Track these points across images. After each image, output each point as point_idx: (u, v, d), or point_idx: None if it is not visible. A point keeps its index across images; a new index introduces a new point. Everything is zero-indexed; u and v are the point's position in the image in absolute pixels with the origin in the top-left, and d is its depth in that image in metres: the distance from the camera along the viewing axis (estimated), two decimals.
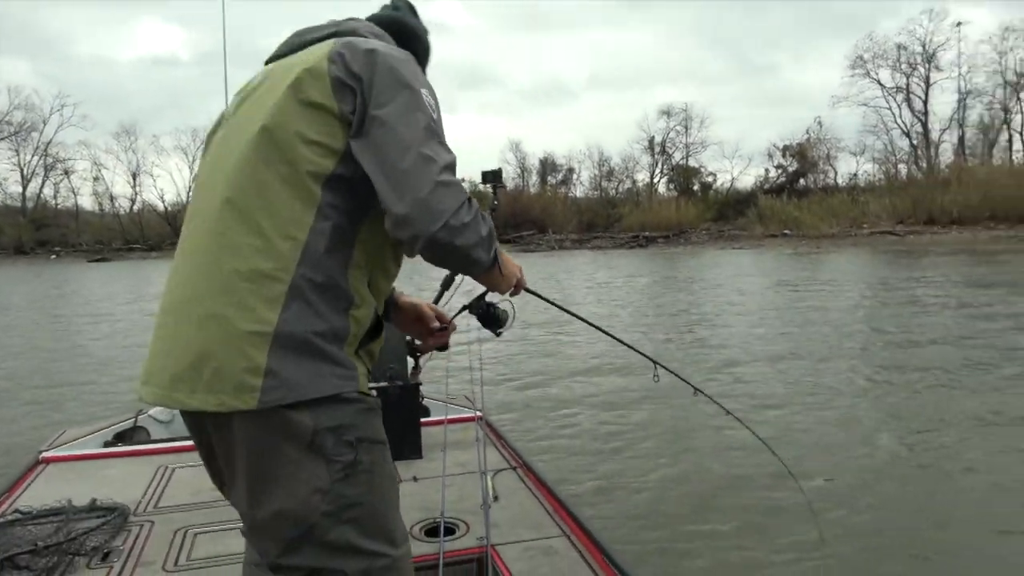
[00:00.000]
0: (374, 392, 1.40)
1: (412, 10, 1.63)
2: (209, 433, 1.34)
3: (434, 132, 1.29)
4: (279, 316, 1.22)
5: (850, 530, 3.77)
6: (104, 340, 11.40)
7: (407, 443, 3.09)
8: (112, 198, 48.56)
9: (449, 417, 3.34)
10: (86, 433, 3.58)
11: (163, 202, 47.88)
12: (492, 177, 2.96)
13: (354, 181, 1.28)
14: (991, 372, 7.20)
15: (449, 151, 1.30)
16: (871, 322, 10.75)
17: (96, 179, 48.54)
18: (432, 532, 2.34)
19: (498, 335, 1.81)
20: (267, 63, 1.53)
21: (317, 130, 1.28)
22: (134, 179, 48.89)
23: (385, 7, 1.61)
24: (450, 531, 2.32)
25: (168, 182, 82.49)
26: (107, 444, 3.49)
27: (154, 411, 3.72)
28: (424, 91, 1.32)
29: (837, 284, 15.94)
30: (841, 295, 14.03)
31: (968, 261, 20.55)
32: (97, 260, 38.51)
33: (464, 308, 1.86)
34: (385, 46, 1.37)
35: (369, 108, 1.26)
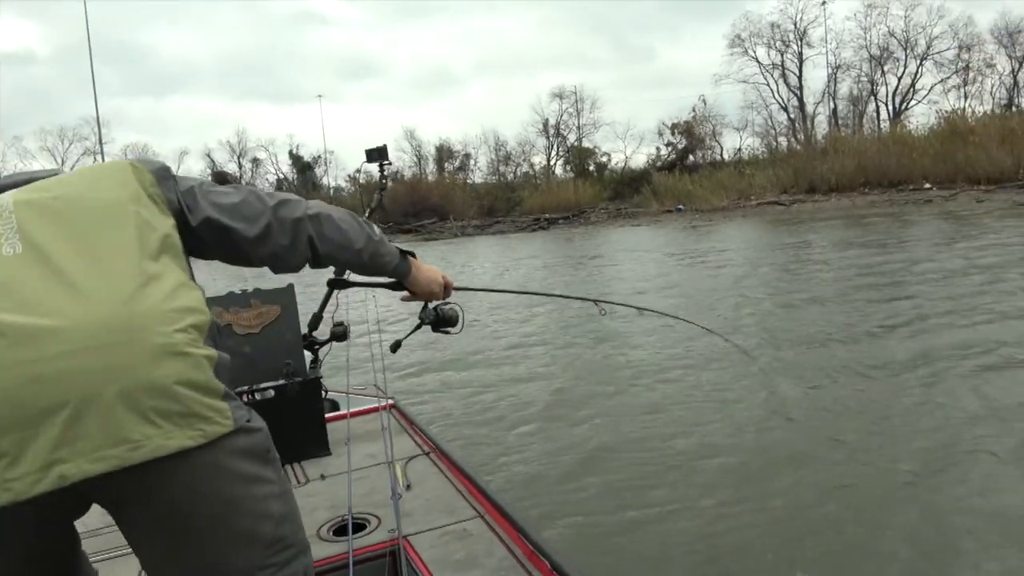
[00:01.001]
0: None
1: None
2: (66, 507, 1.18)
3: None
4: (212, 345, 1.20)
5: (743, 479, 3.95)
6: None
7: (313, 440, 2.93)
8: None
9: (356, 409, 3.20)
10: None
11: None
12: (377, 155, 2.83)
13: None
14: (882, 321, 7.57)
15: None
16: (772, 283, 11.16)
17: None
18: (341, 531, 2.22)
19: (457, 333, 1.91)
20: None
21: None
22: None
23: None
24: (360, 527, 2.22)
25: None
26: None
27: None
28: None
29: (734, 251, 16.52)
30: (740, 260, 14.53)
31: (848, 224, 21.80)
32: None
33: (418, 324, 1.94)
34: None
35: None
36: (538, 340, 8.29)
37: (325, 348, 3.22)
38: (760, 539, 3.42)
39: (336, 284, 2.65)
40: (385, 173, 3.05)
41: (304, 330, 3.14)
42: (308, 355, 3.14)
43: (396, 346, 2.27)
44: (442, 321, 1.99)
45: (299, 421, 2.90)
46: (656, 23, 76.98)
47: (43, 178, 1.29)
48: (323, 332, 3.19)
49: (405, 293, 1.79)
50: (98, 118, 47.64)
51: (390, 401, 3.30)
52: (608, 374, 6.42)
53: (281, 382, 2.88)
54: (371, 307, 3.39)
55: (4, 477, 1.01)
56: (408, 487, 2.52)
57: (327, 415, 3.10)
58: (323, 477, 2.72)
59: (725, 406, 5.33)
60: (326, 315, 3.22)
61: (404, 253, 1.64)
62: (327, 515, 2.36)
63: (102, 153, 47.74)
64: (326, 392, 3.34)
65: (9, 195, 1.22)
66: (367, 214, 3.16)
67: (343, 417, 3.22)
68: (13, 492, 1.01)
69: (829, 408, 5.17)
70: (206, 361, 1.15)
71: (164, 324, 1.12)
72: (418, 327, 2.02)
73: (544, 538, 2.01)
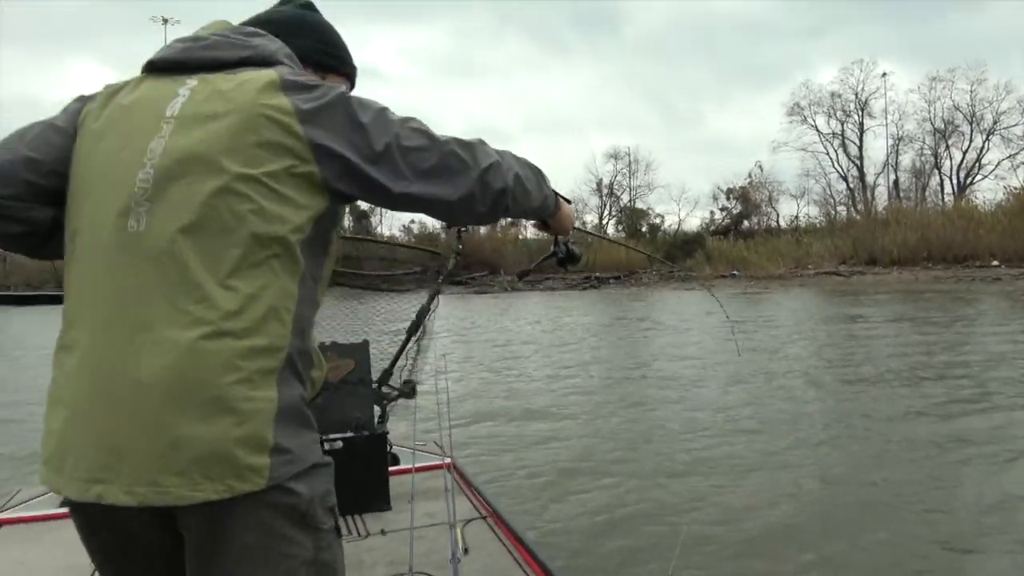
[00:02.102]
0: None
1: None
2: (139, 532, 1.16)
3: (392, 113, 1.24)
4: (277, 388, 1.11)
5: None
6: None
7: (375, 495, 3.01)
8: None
9: (418, 465, 3.24)
10: (41, 493, 3.38)
11: None
12: None
13: (319, 239, 1.20)
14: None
15: None
16: (837, 360, 10.76)
17: None
18: None
19: (579, 270, 1.79)
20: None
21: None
22: None
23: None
24: None
25: None
26: (63, 504, 3.11)
27: None
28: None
29: (793, 323, 16.07)
30: (807, 334, 14.10)
31: (911, 299, 21.08)
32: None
33: (549, 256, 1.94)
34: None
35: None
36: (597, 388, 8.09)
37: (393, 403, 3.28)
38: None
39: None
40: (461, 238, 3.07)
41: (375, 384, 3.21)
42: (376, 409, 3.21)
43: (524, 274, 2.25)
44: (570, 257, 1.97)
45: (363, 475, 2.97)
46: (704, 90, 78.71)
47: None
48: (392, 388, 3.22)
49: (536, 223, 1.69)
50: None
51: (449, 460, 3.29)
52: (673, 434, 6.20)
53: (349, 434, 2.96)
54: (439, 361, 3.42)
55: (68, 473, 1.08)
56: (466, 551, 2.51)
57: (389, 468, 3.15)
58: (383, 532, 2.76)
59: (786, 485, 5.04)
60: (396, 370, 3.24)
61: (559, 197, 1.55)
62: (385, 571, 2.40)
63: None
64: (390, 447, 3.38)
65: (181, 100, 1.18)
66: (440, 280, 3.22)
67: (405, 472, 3.26)
68: (70, 489, 1.09)
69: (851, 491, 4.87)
70: (263, 411, 1.08)
71: (222, 374, 1.06)
72: (547, 258, 2.01)
73: None
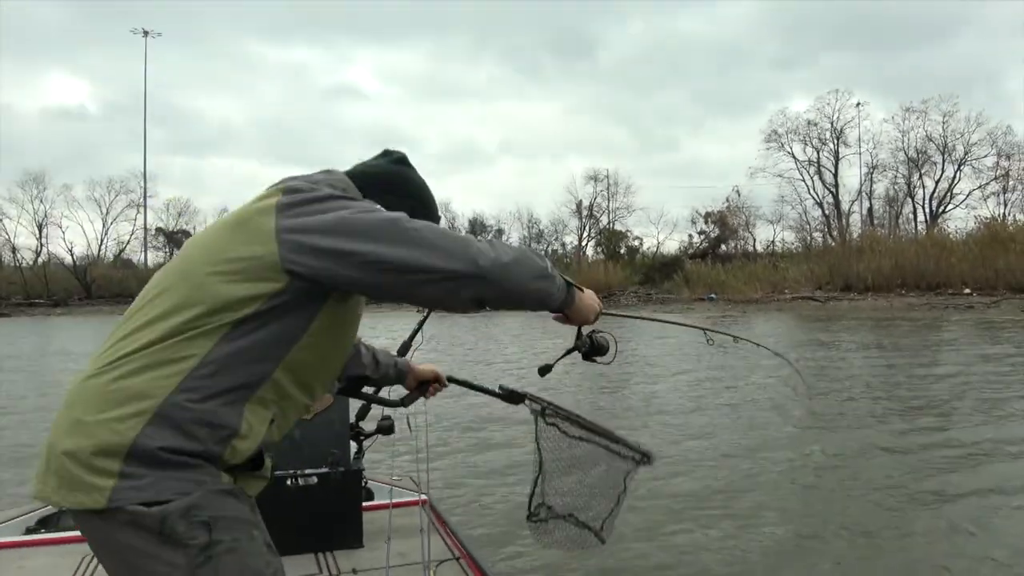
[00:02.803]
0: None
1: (395, 160, 1.70)
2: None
3: (367, 209, 1.40)
4: (140, 430, 1.29)
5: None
6: (27, 407, 10.20)
7: (347, 532, 2.96)
8: (14, 249, 45.82)
9: (393, 501, 3.19)
10: (5, 519, 3.33)
11: (71, 255, 45.49)
12: None
13: (278, 316, 1.38)
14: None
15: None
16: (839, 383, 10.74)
17: None
18: None
19: (608, 363, 1.87)
20: None
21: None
22: (40, 230, 46.44)
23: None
24: None
25: (79, 234, 78.88)
26: (29, 531, 3.26)
27: None
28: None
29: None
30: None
31: (887, 327, 21.26)
32: None
33: (570, 350, 1.89)
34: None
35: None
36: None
37: (370, 440, 3.08)
38: None
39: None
40: None
41: (352, 420, 3.01)
42: (353, 445, 3.06)
43: (545, 370, 2.11)
44: (595, 350, 1.88)
45: (337, 511, 2.94)
46: (678, 115, 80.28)
47: None
48: (370, 424, 3.03)
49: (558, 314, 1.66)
50: (145, 174, 49.23)
51: (424, 497, 3.27)
52: (653, 481, 6.04)
53: (324, 470, 2.93)
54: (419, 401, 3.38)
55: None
56: None
57: (364, 504, 3.11)
58: (355, 572, 2.71)
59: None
60: (375, 409, 3.12)
61: (570, 285, 1.55)
62: None
63: (145, 206, 49.07)
64: (365, 482, 3.36)
65: None
66: (425, 315, 3.07)
67: (379, 508, 3.25)
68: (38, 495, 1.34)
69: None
70: (113, 444, 1.28)
71: (95, 406, 1.32)
72: (569, 352, 1.93)
73: None
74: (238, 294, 1.34)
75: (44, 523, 3.36)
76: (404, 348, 3.16)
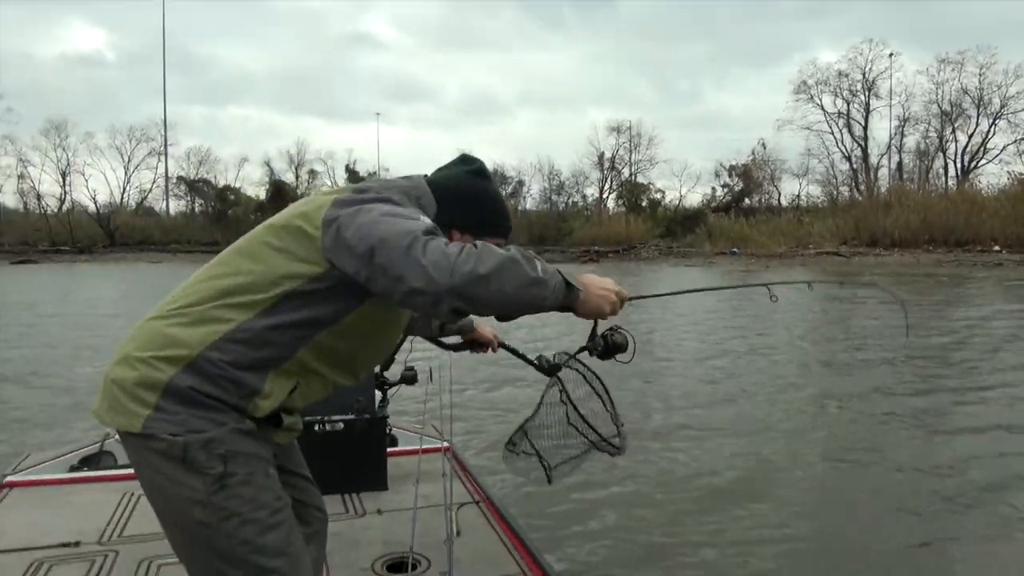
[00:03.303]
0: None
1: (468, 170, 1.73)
2: None
3: (388, 214, 1.44)
4: (175, 373, 1.47)
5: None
6: (63, 352, 10.37)
7: (373, 475, 3.10)
8: (39, 197, 46.14)
9: (415, 447, 3.32)
10: (51, 457, 3.49)
11: (95, 203, 45.78)
12: None
13: (314, 302, 1.50)
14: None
15: (413, 220, 1.44)
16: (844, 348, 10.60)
17: (21, 176, 46.05)
18: (394, 567, 2.38)
19: (627, 363, 1.79)
20: None
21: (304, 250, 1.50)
22: (63, 178, 46.72)
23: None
24: (412, 566, 2.33)
25: (101, 182, 79.24)
26: (72, 469, 3.41)
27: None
28: (378, 204, 1.49)
29: (794, 305, 15.90)
30: (800, 318, 13.93)
31: (914, 282, 20.92)
32: (21, 262, 36.20)
33: (581, 350, 1.82)
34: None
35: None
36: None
37: (394, 389, 3.28)
38: None
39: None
40: None
41: (376, 370, 3.17)
42: (378, 393, 3.22)
43: (554, 369, 2.07)
44: (612, 349, 1.78)
45: (362, 456, 3.06)
46: (702, 66, 78.40)
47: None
48: (394, 373, 3.22)
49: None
50: (165, 122, 49.18)
51: (447, 444, 3.37)
52: (663, 411, 6.08)
53: (351, 417, 3.04)
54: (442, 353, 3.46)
55: None
56: (458, 533, 2.60)
57: (388, 450, 3.21)
58: (380, 512, 2.85)
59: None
60: (399, 357, 3.17)
61: (570, 286, 1.47)
62: (381, 550, 2.49)
63: (166, 154, 49.15)
64: (390, 429, 3.47)
65: None
66: None
67: (403, 454, 3.39)
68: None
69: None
70: (153, 379, 1.47)
71: (145, 345, 1.51)
72: (581, 351, 1.85)
73: None
74: (283, 269, 1.48)
75: (87, 462, 3.51)
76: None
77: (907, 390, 7.48)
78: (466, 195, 1.68)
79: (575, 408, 2.31)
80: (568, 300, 1.47)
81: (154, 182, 49.75)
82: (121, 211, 47.04)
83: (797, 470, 5.10)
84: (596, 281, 1.53)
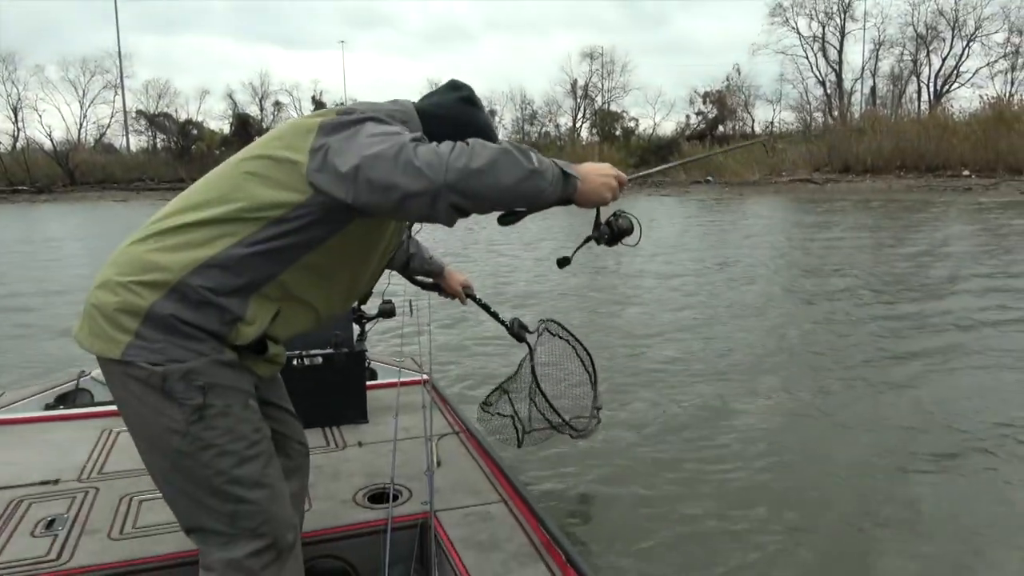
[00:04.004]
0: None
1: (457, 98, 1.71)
2: None
3: (376, 134, 1.41)
4: (156, 299, 1.45)
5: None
6: (33, 290, 10.20)
7: (353, 408, 3.12)
8: None
9: (394, 380, 3.35)
10: (26, 396, 3.47)
11: (51, 140, 43.99)
12: None
13: (298, 228, 1.48)
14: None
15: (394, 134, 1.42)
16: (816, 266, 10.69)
17: None
18: (376, 498, 2.39)
19: (634, 245, 1.79)
20: None
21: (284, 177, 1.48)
22: (15, 114, 44.77)
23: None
24: (394, 497, 2.35)
25: (56, 118, 76.27)
26: (48, 407, 3.40)
27: (96, 372, 3.51)
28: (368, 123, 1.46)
29: (768, 232, 15.96)
30: (776, 243, 13.98)
31: (886, 209, 21.07)
32: None
33: (588, 239, 1.79)
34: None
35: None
36: (575, 291, 7.89)
37: (372, 322, 3.30)
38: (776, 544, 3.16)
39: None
40: None
41: (355, 304, 3.14)
42: (356, 328, 3.23)
43: (564, 262, 1.99)
44: (618, 234, 1.77)
45: (342, 389, 3.06)
46: None
47: None
48: (372, 307, 3.18)
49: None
50: (120, 53, 47.07)
51: (426, 376, 3.39)
52: (647, 378, 6.08)
53: (329, 351, 3.03)
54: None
55: None
56: (439, 464, 2.63)
57: (368, 383, 3.22)
58: (360, 444, 2.87)
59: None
60: (377, 290, 3.10)
61: (567, 175, 1.47)
62: (363, 481, 2.50)
63: (123, 87, 47.23)
64: (369, 362, 3.47)
65: None
66: None
67: (382, 387, 3.39)
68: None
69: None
70: (134, 305, 1.45)
71: (126, 270, 1.49)
72: (588, 241, 1.82)
73: (561, 529, 2.11)
74: (267, 198, 1.47)
75: (63, 400, 3.49)
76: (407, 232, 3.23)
77: (866, 315, 7.62)
78: (455, 122, 1.64)
79: (539, 388, 2.35)
80: (567, 190, 1.46)
81: (112, 117, 47.82)
82: (79, 148, 45.39)
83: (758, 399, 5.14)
84: (594, 168, 1.53)
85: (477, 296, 2.78)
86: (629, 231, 1.79)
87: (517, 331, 2.66)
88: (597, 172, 1.52)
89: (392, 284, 2.91)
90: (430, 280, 2.67)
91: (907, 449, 4.13)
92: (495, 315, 2.71)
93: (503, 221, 1.57)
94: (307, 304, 1.60)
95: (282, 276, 1.51)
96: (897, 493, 3.60)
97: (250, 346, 1.52)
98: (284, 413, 1.86)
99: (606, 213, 1.77)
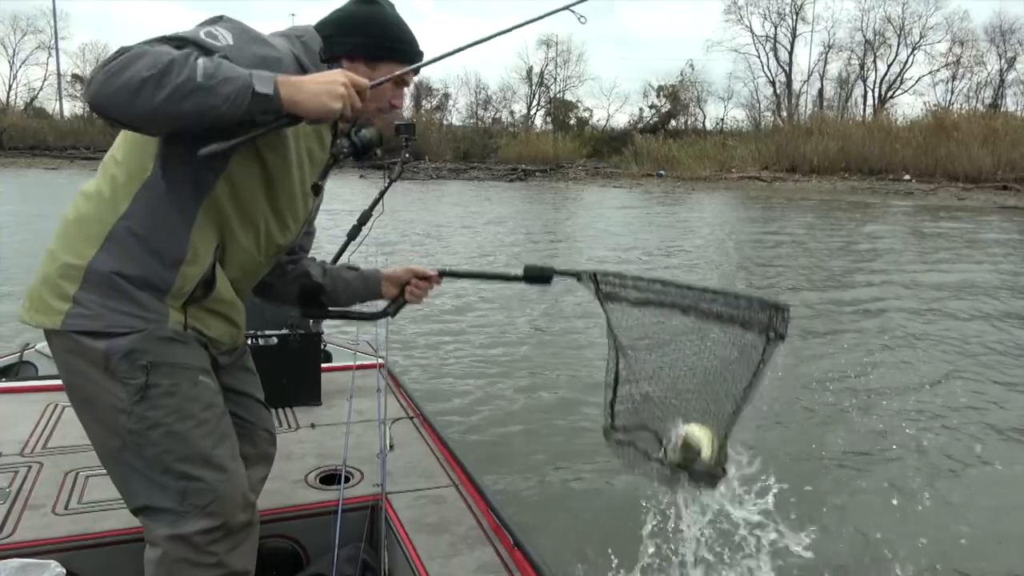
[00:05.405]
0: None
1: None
2: None
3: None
4: (94, 254, 1.43)
5: None
6: None
7: (306, 390, 3.11)
8: None
9: (351, 364, 3.35)
10: None
11: None
12: (405, 129, 2.86)
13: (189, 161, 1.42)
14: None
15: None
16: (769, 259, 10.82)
17: None
18: (327, 480, 2.40)
19: (407, 159, 1.75)
20: None
21: None
22: None
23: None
24: (345, 479, 2.35)
25: None
26: None
27: (41, 345, 3.52)
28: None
29: (722, 228, 16.14)
30: (726, 238, 14.13)
31: (835, 207, 21.55)
32: None
33: (330, 162, 1.61)
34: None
35: None
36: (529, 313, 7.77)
37: None
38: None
39: None
40: (409, 147, 2.98)
41: None
42: None
43: (317, 189, 1.68)
44: (362, 149, 1.57)
45: (297, 371, 3.06)
46: None
47: None
48: None
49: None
50: (55, 12, 44.87)
51: (381, 361, 3.39)
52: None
53: (284, 332, 3.03)
54: (379, 258, 3.41)
55: None
56: (392, 447, 2.63)
57: (323, 366, 3.21)
58: (313, 426, 2.88)
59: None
60: None
61: (257, 91, 1.27)
62: (315, 463, 2.51)
63: (57, 49, 45.04)
64: (324, 345, 3.48)
65: None
66: (387, 184, 3.10)
67: (337, 370, 3.40)
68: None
69: None
70: (73, 265, 1.43)
71: (62, 236, 1.49)
72: (330, 167, 1.62)
73: (509, 514, 2.13)
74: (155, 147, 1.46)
75: (5, 372, 3.46)
76: (364, 217, 3.21)
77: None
78: (352, 22, 1.57)
79: (641, 285, 1.51)
80: (268, 105, 1.27)
81: (45, 80, 45.60)
82: (9, 112, 43.11)
83: None
84: (317, 76, 1.36)
85: (453, 270, 2.09)
86: (376, 142, 1.60)
87: (535, 275, 1.79)
88: (319, 79, 1.34)
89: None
90: (382, 299, 2.01)
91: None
92: (492, 275, 2.15)
93: (364, 154, 1.51)
94: (241, 240, 1.54)
95: (215, 192, 1.47)
96: None
97: (197, 290, 1.48)
98: (252, 401, 1.83)
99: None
